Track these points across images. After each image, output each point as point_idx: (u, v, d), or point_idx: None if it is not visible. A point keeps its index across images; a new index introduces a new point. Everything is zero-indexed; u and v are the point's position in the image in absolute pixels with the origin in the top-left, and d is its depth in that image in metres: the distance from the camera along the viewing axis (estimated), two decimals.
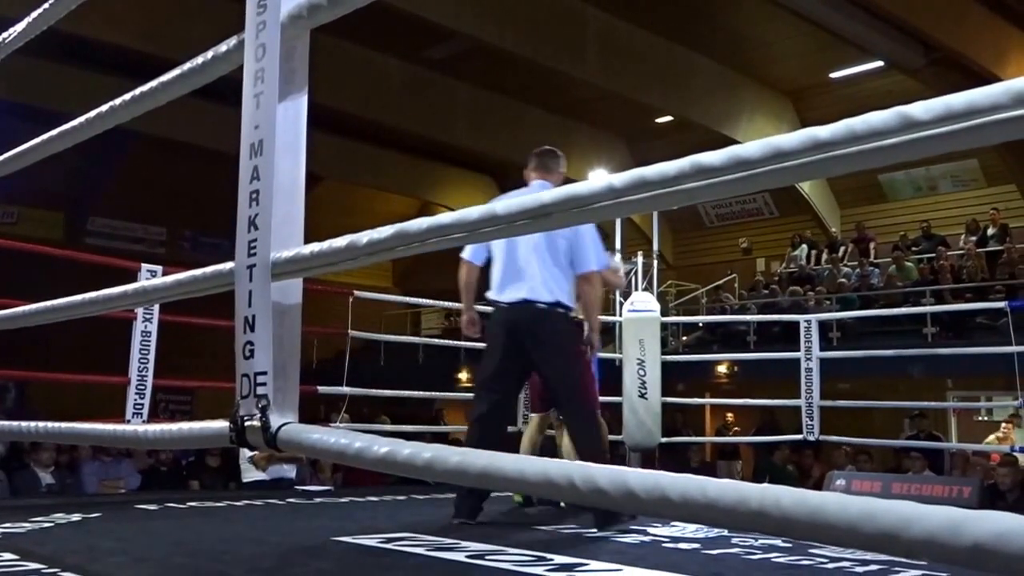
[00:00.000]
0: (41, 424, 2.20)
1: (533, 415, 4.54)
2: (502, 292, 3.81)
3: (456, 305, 9.84)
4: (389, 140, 15.97)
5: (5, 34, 2.59)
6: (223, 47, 1.76)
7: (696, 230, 17.15)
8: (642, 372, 6.35)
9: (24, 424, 2.40)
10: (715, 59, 13.62)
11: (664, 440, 6.74)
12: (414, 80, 14.08)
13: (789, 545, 3.14)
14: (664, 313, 7.90)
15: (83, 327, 3.93)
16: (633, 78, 13.04)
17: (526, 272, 3.72)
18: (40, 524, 3.37)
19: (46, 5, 2.34)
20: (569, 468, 1.06)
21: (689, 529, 3.51)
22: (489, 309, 3.95)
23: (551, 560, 2.70)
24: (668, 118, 14.86)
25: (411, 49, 13.43)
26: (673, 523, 3.55)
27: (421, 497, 5.09)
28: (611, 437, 5.18)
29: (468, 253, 3.95)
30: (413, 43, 13.12)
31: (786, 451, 8.35)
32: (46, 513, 3.63)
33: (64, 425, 2.15)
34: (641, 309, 6.49)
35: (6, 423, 2.89)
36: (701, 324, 13.37)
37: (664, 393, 6.60)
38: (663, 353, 6.80)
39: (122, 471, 7.25)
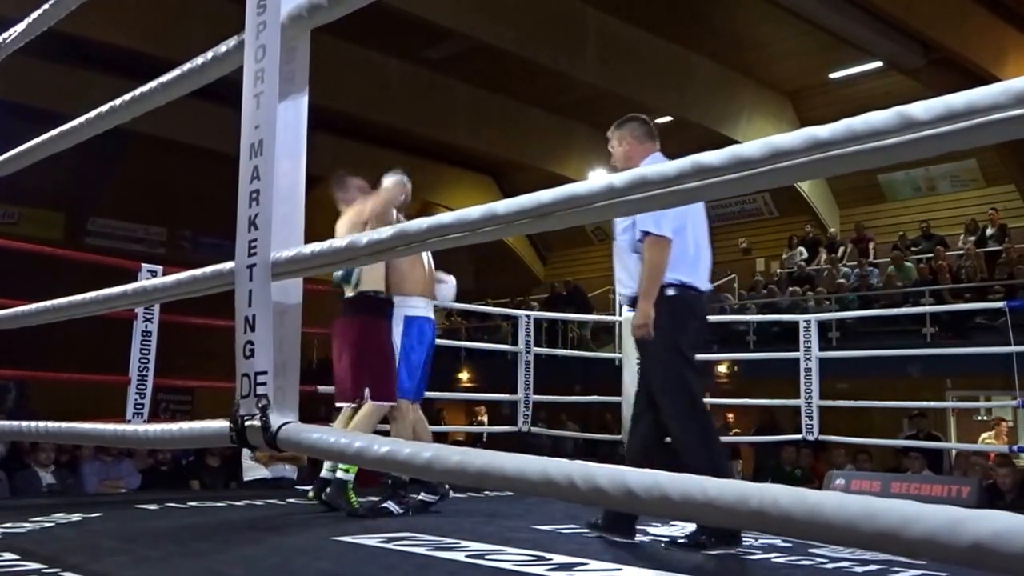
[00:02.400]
0: (41, 424, 2.20)
1: (346, 405, 4.23)
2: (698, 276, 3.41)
3: (457, 305, 9.78)
4: (389, 140, 15.97)
5: (5, 34, 2.59)
6: (223, 48, 1.76)
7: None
8: None
9: (25, 424, 2.40)
10: (714, 59, 13.62)
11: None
12: (414, 80, 14.09)
13: (789, 545, 3.15)
14: None
15: (84, 327, 3.93)
16: (632, 78, 13.04)
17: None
18: (41, 524, 3.37)
19: (46, 5, 2.34)
20: (569, 467, 1.06)
21: (689, 529, 3.51)
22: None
23: (550, 560, 2.71)
24: (668, 118, 14.84)
25: (411, 49, 13.43)
26: (673, 523, 3.55)
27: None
28: (612, 437, 5.15)
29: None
30: (413, 43, 13.12)
31: (792, 452, 8.33)
32: (47, 513, 3.63)
33: (64, 425, 2.15)
34: None
35: (7, 423, 2.89)
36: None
37: None
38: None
39: (123, 471, 7.25)
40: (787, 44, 13.20)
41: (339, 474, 4.00)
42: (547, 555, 2.78)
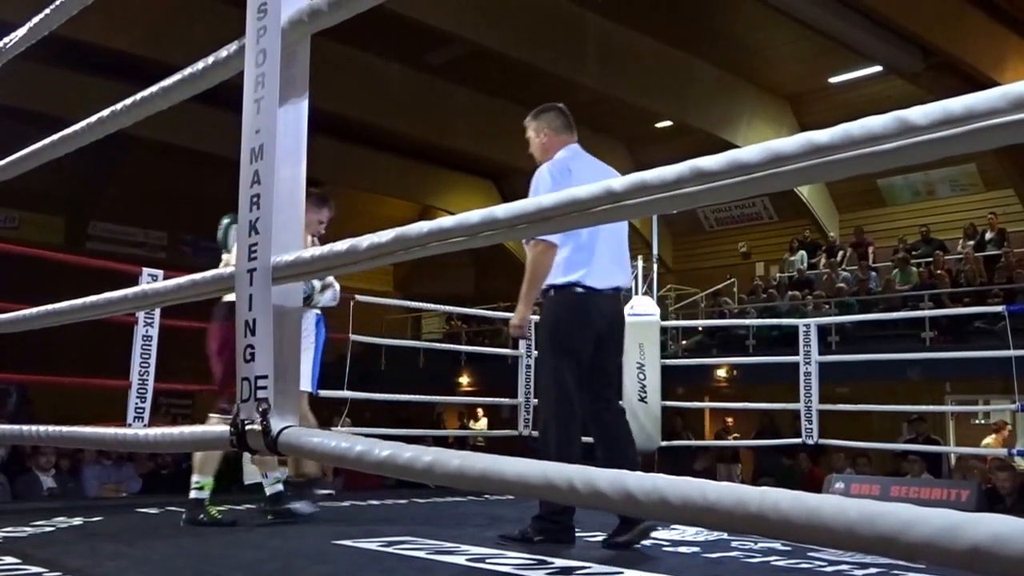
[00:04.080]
0: (43, 428, 2.20)
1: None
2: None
3: (456, 310, 9.75)
4: (389, 144, 15.99)
5: (6, 39, 2.59)
6: (224, 52, 1.76)
7: (696, 234, 17.15)
8: (642, 376, 6.36)
9: (26, 428, 2.40)
10: (714, 63, 13.64)
11: (664, 444, 6.75)
12: (414, 84, 14.11)
13: (788, 548, 3.15)
14: (664, 317, 7.92)
15: (84, 331, 3.94)
16: (633, 83, 13.06)
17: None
18: (42, 528, 3.38)
19: (48, 10, 2.34)
20: (569, 471, 1.06)
21: (689, 532, 3.51)
22: None
23: (551, 564, 2.71)
24: (668, 123, 14.87)
25: (411, 53, 13.45)
26: (673, 526, 3.56)
27: (422, 501, 5.10)
28: None
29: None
30: (413, 48, 13.15)
31: (804, 458, 8.30)
32: (47, 517, 3.63)
33: (65, 429, 2.15)
34: (641, 313, 6.49)
35: (7, 427, 2.89)
36: (701, 328, 13.38)
37: (664, 397, 6.61)
38: (663, 357, 6.80)
39: (123, 475, 7.25)
40: (787, 48, 13.22)
41: (193, 493, 3.79)
42: (548, 559, 2.78)
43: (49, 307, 2.20)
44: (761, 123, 14.29)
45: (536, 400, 3.36)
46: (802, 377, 6.51)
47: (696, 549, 3.19)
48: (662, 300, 11.63)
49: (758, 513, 0.86)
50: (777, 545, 3.20)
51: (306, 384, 4.05)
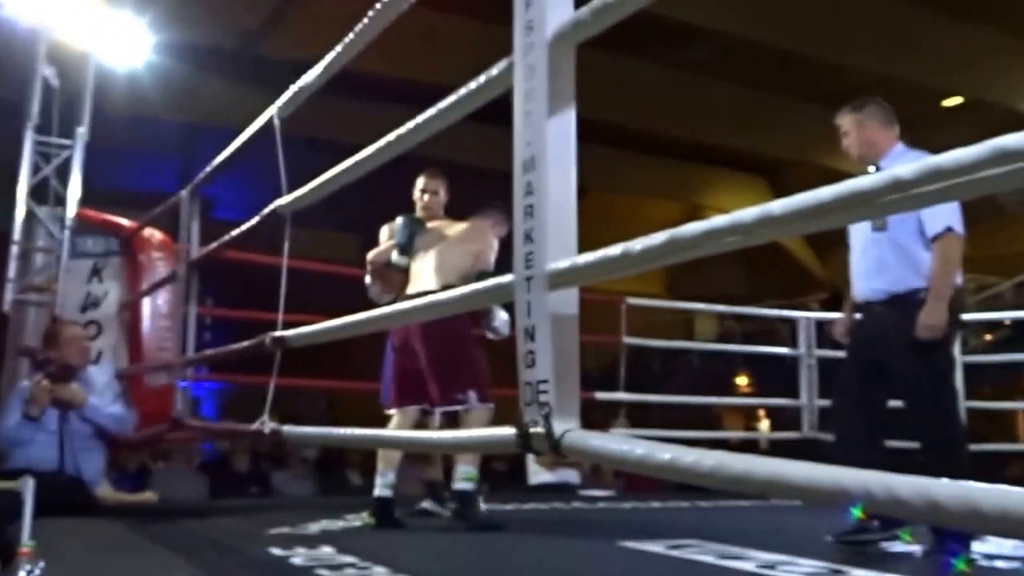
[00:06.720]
0: (347, 430, 2.39)
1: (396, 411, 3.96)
2: None
3: (730, 309, 9.52)
4: (652, 145, 15.92)
5: (304, 79, 2.86)
6: (494, 70, 1.84)
7: (995, 219, 15.58)
8: None
9: (333, 430, 2.63)
10: (1008, 34, 12.32)
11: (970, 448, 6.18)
12: (673, 83, 13.95)
13: None
14: (964, 311, 7.26)
15: (377, 340, 4.24)
16: (911, 60, 12.13)
17: None
18: (351, 522, 3.68)
19: (338, 48, 2.56)
20: (864, 477, 1.00)
21: (1007, 545, 3.19)
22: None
23: (847, 574, 2.57)
24: (956, 100, 13.66)
25: (668, 53, 13.32)
26: (987, 538, 3.25)
27: (705, 504, 5.02)
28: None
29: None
30: (668, 47, 13.01)
31: None
32: (356, 511, 3.95)
33: (368, 432, 2.33)
34: None
35: (318, 429, 3.18)
36: (1008, 321, 12.15)
37: (968, 397, 6.06)
38: (964, 353, 6.24)
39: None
40: None
41: (463, 485, 3.68)
42: (843, 568, 2.64)
43: (349, 318, 2.38)
44: None
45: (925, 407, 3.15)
46: None
47: (1016, 564, 2.90)
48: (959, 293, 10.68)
49: None
50: None
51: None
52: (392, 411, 3.96)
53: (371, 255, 4.19)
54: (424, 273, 3.86)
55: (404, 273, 4.01)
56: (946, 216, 3.01)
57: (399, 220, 4.11)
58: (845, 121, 3.31)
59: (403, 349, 3.87)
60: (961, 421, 3.17)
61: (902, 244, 3.15)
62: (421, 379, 3.77)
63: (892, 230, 3.19)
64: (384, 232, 4.32)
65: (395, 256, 4.03)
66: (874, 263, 3.24)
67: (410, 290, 3.89)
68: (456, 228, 4.02)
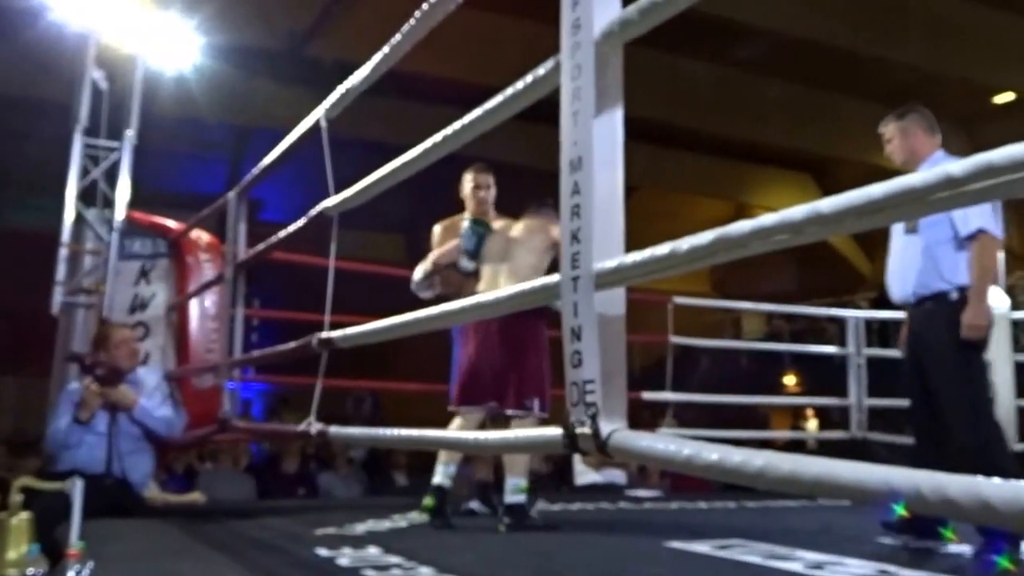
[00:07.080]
0: (393, 431, 2.40)
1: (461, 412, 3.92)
2: None
3: (777, 308, 9.38)
4: (700, 144, 15.79)
5: (351, 79, 2.88)
6: (540, 70, 1.84)
7: None
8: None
9: (379, 431, 2.64)
10: None
11: (1022, 448, 6.05)
12: (721, 81, 13.84)
13: None
14: (1015, 308, 7.09)
15: (423, 341, 4.26)
16: (962, 56, 11.88)
17: None
18: (397, 523, 3.71)
19: (385, 49, 2.58)
20: (915, 477, 0.99)
21: None
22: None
23: (896, 575, 2.54)
24: (1008, 96, 13.36)
25: (716, 51, 13.22)
26: None
27: (752, 504, 4.98)
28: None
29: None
30: (717, 45, 12.90)
31: None
32: (403, 512, 3.98)
33: (413, 433, 2.34)
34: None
35: (365, 430, 3.20)
36: None
37: (1018, 395, 5.92)
38: (1016, 351, 6.10)
39: (463, 472, 7.74)
40: None
41: (513, 498, 3.67)
42: (891, 568, 2.60)
43: (394, 320, 2.39)
44: None
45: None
46: None
47: None
48: (1011, 290, 10.45)
49: None
50: None
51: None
52: (458, 410, 3.95)
53: (434, 255, 4.22)
54: (500, 277, 3.86)
55: (466, 275, 4.05)
56: (978, 218, 3.03)
57: (465, 224, 4.12)
58: (888, 129, 3.35)
59: (479, 351, 3.86)
60: (996, 421, 3.12)
61: (930, 247, 3.17)
62: (491, 381, 3.80)
63: (923, 232, 3.20)
64: (437, 230, 4.34)
65: (464, 261, 4.07)
66: (903, 265, 3.28)
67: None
68: (518, 228, 4.02)
